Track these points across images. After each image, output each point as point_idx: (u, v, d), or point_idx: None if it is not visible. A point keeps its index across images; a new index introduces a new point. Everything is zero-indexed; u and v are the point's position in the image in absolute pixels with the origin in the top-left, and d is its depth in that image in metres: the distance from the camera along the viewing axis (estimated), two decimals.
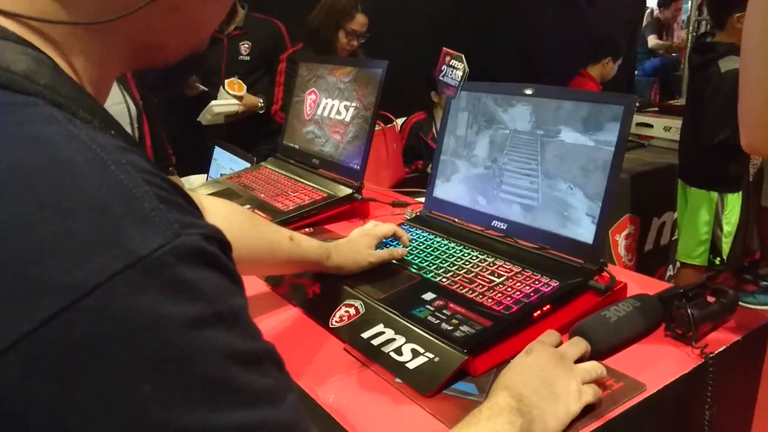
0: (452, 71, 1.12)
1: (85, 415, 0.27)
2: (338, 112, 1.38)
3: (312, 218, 1.23)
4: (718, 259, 2.37)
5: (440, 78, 1.14)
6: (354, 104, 1.34)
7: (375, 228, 0.97)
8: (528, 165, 0.97)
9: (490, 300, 0.81)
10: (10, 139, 0.29)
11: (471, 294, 0.83)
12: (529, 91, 0.99)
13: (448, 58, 1.13)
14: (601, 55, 3.35)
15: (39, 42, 0.35)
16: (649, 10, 5.85)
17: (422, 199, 1.20)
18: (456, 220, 1.08)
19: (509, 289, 0.83)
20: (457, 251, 0.97)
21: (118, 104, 1.83)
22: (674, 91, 4.80)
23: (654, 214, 2.75)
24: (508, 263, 0.90)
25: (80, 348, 0.26)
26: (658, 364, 0.73)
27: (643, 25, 5.68)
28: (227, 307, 0.31)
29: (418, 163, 2.89)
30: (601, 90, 3.22)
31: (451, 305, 0.80)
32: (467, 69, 1.09)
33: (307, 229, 1.20)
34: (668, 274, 2.90)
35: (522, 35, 4.01)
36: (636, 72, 5.41)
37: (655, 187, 2.65)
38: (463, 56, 1.11)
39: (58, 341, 0.26)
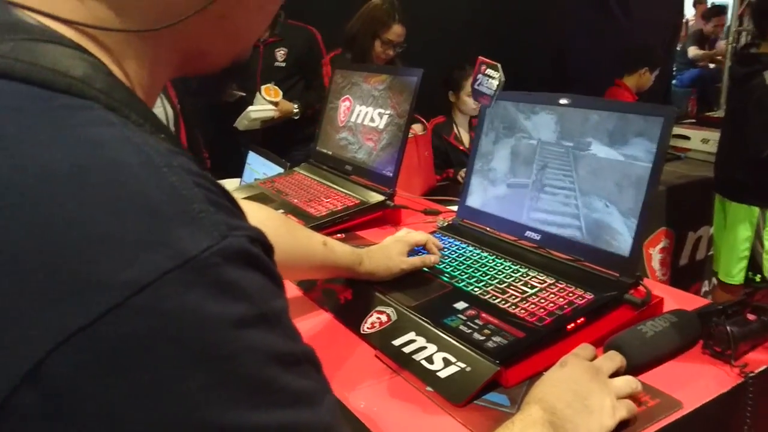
0: (488, 80, 1.11)
1: (131, 410, 0.27)
2: (372, 120, 1.38)
3: (344, 224, 1.23)
4: (759, 276, 2.30)
5: (475, 87, 1.13)
6: (388, 112, 1.34)
7: (407, 235, 0.97)
8: (563, 176, 0.96)
9: (523, 311, 0.80)
10: (68, 140, 0.31)
11: (504, 304, 0.82)
12: (564, 101, 0.98)
13: (483, 67, 1.13)
14: (638, 65, 3.28)
15: (94, 48, 0.36)
16: (685, 20, 5.76)
17: (454, 208, 1.20)
18: (488, 229, 1.07)
19: (543, 301, 0.82)
20: (490, 261, 0.96)
21: (156, 108, 1.87)
22: (712, 103, 4.71)
23: (690, 228, 2.69)
24: (541, 274, 0.89)
25: (130, 344, 0.27)
26: (695, 382, 0.71)
27: (682, 35, 5.59)
28: (270, 309, 0.32)
29: (449, 171, 2.88)
30: (636, 101, 3.17)
31: (484, 315, 0.80)
32: (503, 78, 1.09)
33: (339, 235, 1.20)
34: (703, 289, 2.83)
35: (556, 44, 3.97)
36: (673, 83, 5.32)
37: (692, 201, 2.59)
38: (499, 65, 1.10)
39: (109, 337, 0.27)
